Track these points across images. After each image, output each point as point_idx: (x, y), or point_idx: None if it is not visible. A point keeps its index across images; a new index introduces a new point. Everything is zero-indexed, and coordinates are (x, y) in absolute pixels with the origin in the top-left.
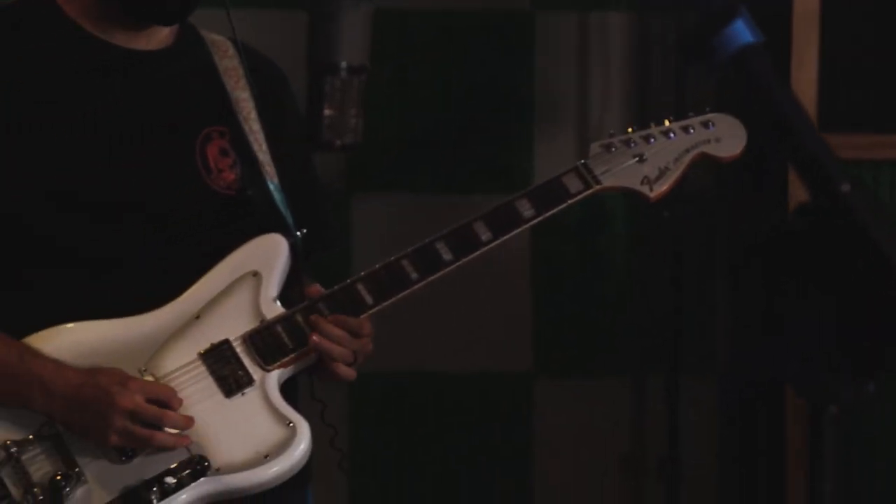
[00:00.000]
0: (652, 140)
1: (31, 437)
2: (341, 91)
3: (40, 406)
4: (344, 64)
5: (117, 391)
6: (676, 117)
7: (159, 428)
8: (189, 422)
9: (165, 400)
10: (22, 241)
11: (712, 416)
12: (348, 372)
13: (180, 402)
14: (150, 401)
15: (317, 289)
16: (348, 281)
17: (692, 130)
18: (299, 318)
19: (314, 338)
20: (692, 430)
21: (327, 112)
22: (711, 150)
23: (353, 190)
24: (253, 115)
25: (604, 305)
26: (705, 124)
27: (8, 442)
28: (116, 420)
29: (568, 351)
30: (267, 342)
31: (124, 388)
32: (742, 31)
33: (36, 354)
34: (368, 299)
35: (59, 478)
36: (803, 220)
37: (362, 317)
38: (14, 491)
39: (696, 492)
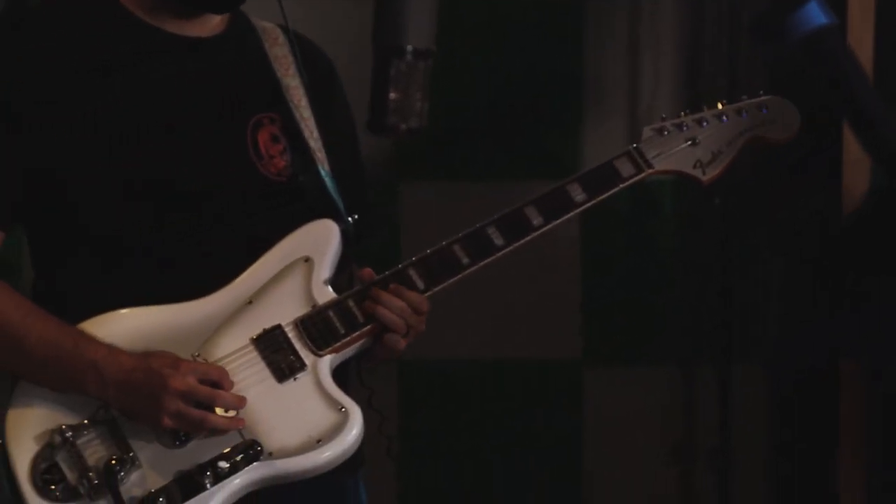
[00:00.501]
0: (705, 123)
1: (85, 421)
2: (407, 75)
3: (94, 391)
4: (410, 47)
5: (169, 373)
6: (729, 101)
7: (212, 409)
8: (241, 401)
9: (217, 380)
10: (77, 228)
11: (763, 403)
12: (398, 345)
13: (232, 383)
14: (202, 382)
15: (369, 273)
16: (399, 266)
17: (745, 114)
18: (351, 302)
19: (379, 308)
20: (743, 418)
21: (393, 96)
22: (765, 133)
23: (402, 177)
24: (304, 102)
25: (653, 292)
26: (759, 107)
27: (63, 426)
28: (169, 402)
29: (617, 338)
30: (319, 327)
31: (176, 370)
32: (816, 13)
33: (90, 340)
34: (420, 284)
35: (113, 462)
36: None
37: (425, 294)
38: (69, 475)
39: (746, 481)
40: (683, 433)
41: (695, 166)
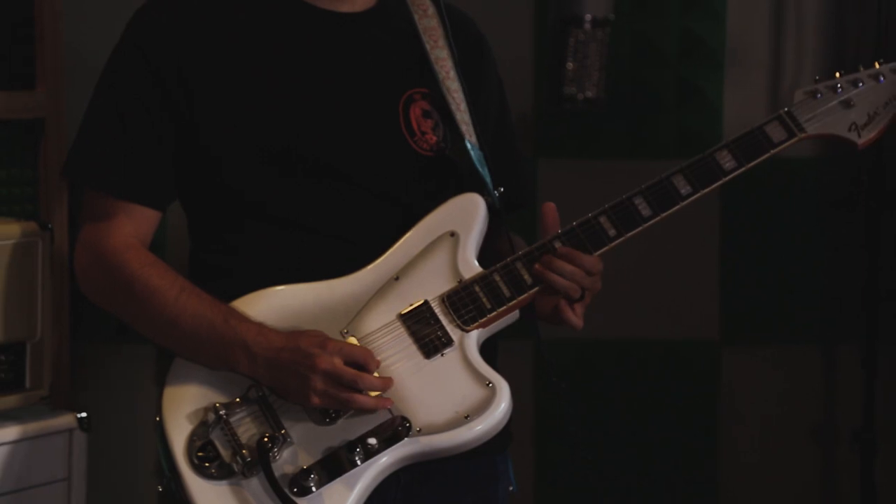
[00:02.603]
0: (860, 84)
1: (238, 399)
2: (584, 44)
3: (244, 368)
4: (588, 16)
5: (317, 353)
6: (886, 61)
7: (358, 390)
8: (386, 383)
9: (363, 362)
10: (232, 203)
11: None
12: (575, 319)
13: (378, 363)
14: (348, 363)
15: (521, 243)
16: (547, 239)
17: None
18: (497, 277)
19: (538, 267)
20: (887, 399)
21: (570, 66)
22: None
23: (540, 154)
24: (452, 73)
25: (793, 272)
26: None
27: (217, 404)
28: (316, 382)
29: (756, 319)
30: (465, 302)
31: (323, 350)
32: None
33: (242, 318)
34: None
35: (266, 439)
36: None
37: (595, 254)
38: (224, 453)
39: (890, 464)
40: (824, 414)
41: (850, 129)
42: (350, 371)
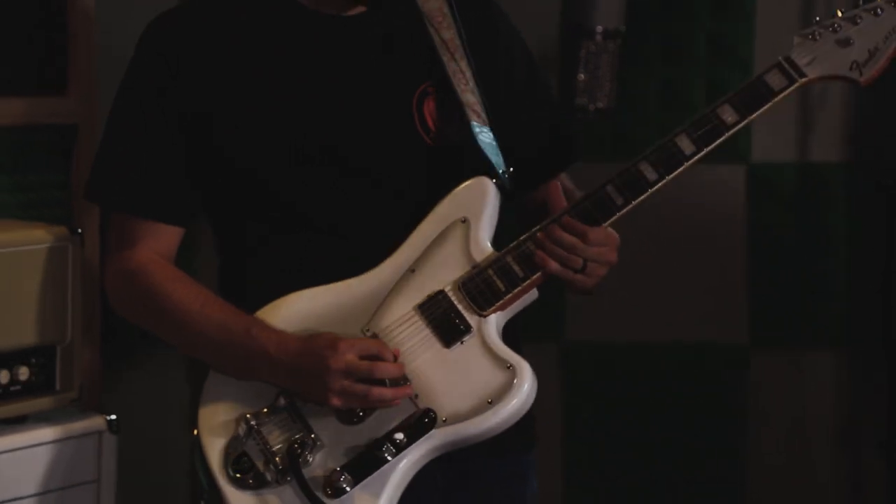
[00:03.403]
0: (859, 20)
1: (265, 409)
2: (596, 55)
3: (268, 377)
4: (600, 28)
5: (329, 354)
6: None
7: (376, 383)
8: (400, 369)
9: (377, 353)
10: (254, 207)
11: None
12: (582, 281)
13: (393, 353)
14: (362, 357)
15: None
16: (556, 215)
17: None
18: (510, 258)
19: (538, 254)
20: None
21: (581, 76)
22: None
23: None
24: (459, 54)
25: (821, 276)
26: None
27: (248, 415)
28: (333, 382)
29: (785, 322)
30: (480, 287)
31: (335, 350)
32: None
33: (263, 328)
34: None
35: (296, 445)
36: None
37: (605, 224)
38: (258, 462)
39: None
40: (852, 418)
41: (851, 68)
42: (363, 363)
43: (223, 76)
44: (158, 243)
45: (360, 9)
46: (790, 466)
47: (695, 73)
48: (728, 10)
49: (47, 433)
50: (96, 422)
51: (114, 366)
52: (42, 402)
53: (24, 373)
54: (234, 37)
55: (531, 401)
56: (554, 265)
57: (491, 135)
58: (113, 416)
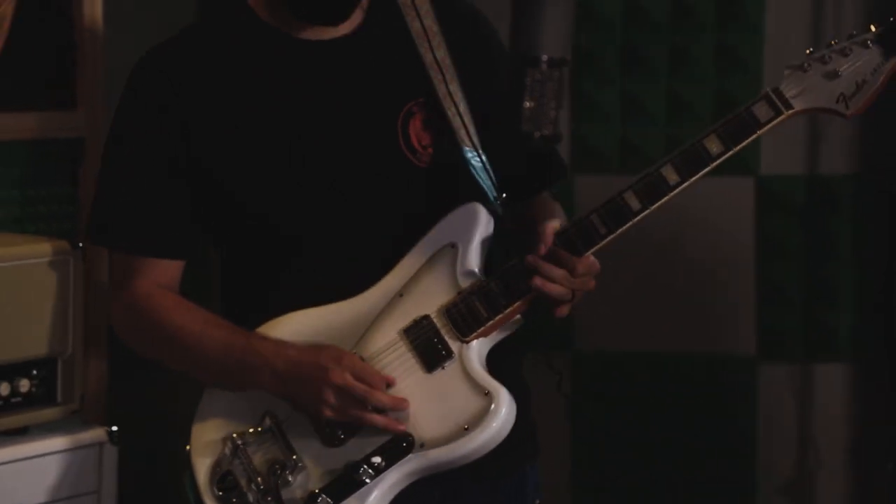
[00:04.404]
0: (849, 52)
1: (251, 430)
2: (541, 83)
3: (267, 383)
4: (545, 57)
5: (332, 367)
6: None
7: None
8: (398, 403)
9: (371, 383)
10: (246, 233)
11: None
12: (561, 311)
13: (387, 383)
14: (358, 380)
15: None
16: (541, 243)
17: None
18: (493, 284)
19: (536, 281)
20: None
21: (527, 104)
22: None
23: (577, 171)
24: (450, 73)
25: (830, 289)
26: None
27: (234, 435)
28: (329, 395)
29: (793, 335)
30: (463, 313)
31: (338, 364)
32: None
33: (261, 338)
34: None
35: (277, 466)
36: None
37: (586, 254)
38: (241, 481)
39: None
40: (862, 432)
41: (837, 101)
42: (361, 386)
43: (213, 109)
44: (159, 276)
45: (347, 31)
46: (799, 479)
47: (702, 85)
48: (737, 21)
49: (48, 444)
50: (97, 433)
51: (119, 378)
52: (44, 414)
53: (24, 385)
54: (223, 69)
55: (508, 427)
56: (554, 291)
57: (481, 158)
58: (114, 428)
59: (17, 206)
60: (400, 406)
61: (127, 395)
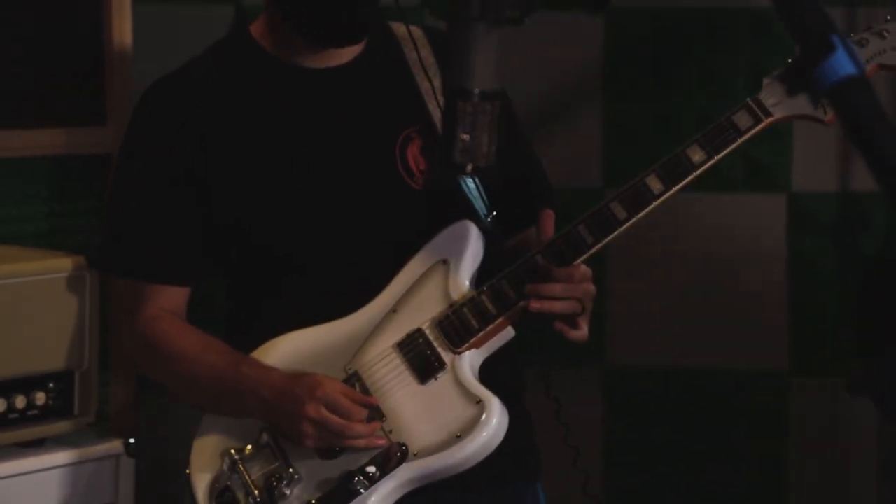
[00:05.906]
0: None
1: (249, 445)
2: (473, 116)
3: (255, 410)
4: (477, 90)
5: (306, 400)
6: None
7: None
8: (372, 428)
9: (345, 414)
10: (249, 258)
11: None
12: (579, 334)
13: (361, 413)
14: (333, 412)
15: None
16: (529, 255)
17: (866, 43)
18: (483, 297)
19: (534, 304)
20: None
21: (463, 137)
22: (888, 60)
23: (608, 185)
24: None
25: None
26: (879, 34)
27: (232, 451)
28: (306, 427)
29: (826, 350)
30: (455, 325)
31: (312, 397)
32: (843, 63)
33: (252, 364)
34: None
35: (273, 479)
36: None
37: (575, 263)
38: (239, 496)
39: None
40: (894, 448)
41: (816, 107)
42: (335, 420)
43: (219, 135)
44: (165, 302)
45: (347, 60)
46: (831, 495)
47: (685, 105)
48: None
49: (65, 456)
50: (113, 445)
51: (136, 391)
52: (60, 427)
53: (40, 398)
54: (228, 97)
55: (500, 435)
56: (557, 308)
57: (475, 180)
58: (131, 440)
59: (45, 220)
60: (370, 433)
61: (153, 409)
